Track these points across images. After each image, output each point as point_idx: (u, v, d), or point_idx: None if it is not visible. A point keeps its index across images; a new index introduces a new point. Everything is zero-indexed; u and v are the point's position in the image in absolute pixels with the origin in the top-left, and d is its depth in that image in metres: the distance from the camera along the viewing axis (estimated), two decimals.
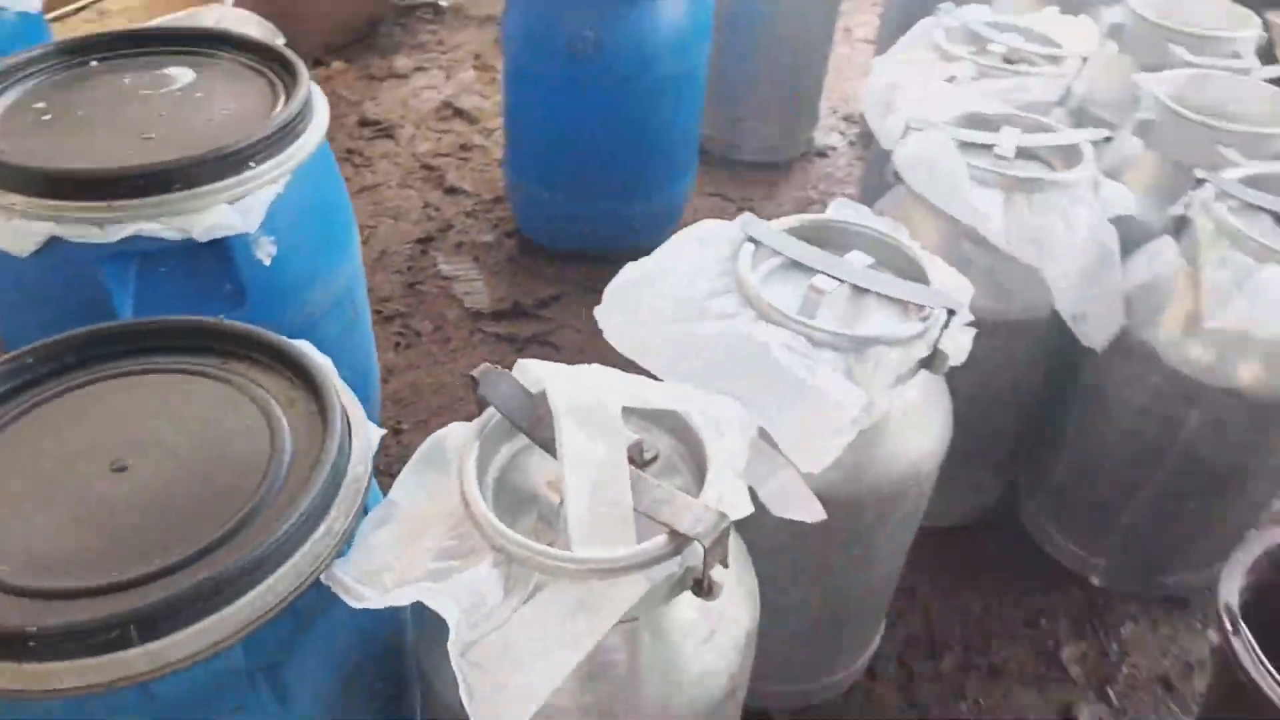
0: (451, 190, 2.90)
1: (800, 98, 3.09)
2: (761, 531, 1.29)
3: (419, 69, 3.52)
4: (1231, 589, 1.39)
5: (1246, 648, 1.33)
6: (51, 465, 1.05)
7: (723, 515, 0.98)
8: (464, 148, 3.09)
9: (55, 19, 2.71)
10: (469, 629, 0.94)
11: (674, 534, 0.97)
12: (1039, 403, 1.88)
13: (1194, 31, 2.09)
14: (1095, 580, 1.92)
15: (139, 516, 1.00)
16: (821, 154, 3.18)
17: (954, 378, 1.59)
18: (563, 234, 2.56)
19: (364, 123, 3.17)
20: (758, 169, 2.97)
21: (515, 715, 0.94)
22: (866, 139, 3.05)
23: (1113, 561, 1.89)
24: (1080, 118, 2.12)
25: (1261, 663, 1.31)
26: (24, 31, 2.05)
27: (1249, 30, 2.11)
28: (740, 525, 1.17)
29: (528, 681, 0.94)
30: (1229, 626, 1.35)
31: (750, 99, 3.00)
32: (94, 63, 1.57)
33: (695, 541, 0.96)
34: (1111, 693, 1.75)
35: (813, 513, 1.28)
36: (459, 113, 3.26)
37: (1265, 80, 1.95)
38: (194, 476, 1.05)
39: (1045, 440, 1.93)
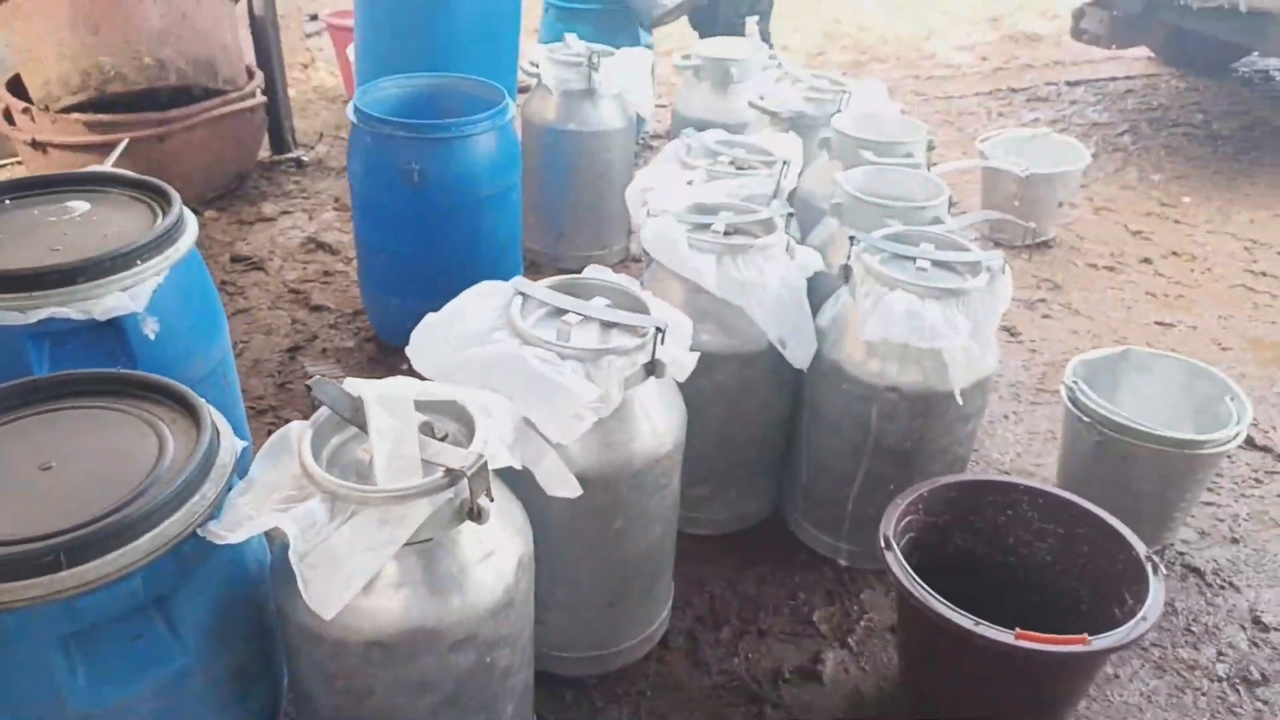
0: (316, 308, 3.36)
1: (610, 216, 3.69)
2: (550, 513, 1.77)
3: (285, 212, 4.02)
4: (889, 523, 1.91)
5: (896, 560, 1.83)
6: None
7: (480, 456, 1.44)
8: (326, 273, 3.58)
9: None
10: (304, 542, 1.37)
11: (448, 471, 1.42)
12: (783, 418, 2.41)
13: (878, 139, 2.77)
14: (842, 561, 2.41)
15: (60, 496, 1.40)
16: (635, 259, 3.78)
17: (710, 402, 2.12)
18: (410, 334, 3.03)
19: (236, 259, 3.62)
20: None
21: (338, 599, 1.37)
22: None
23: (851, 544, 2.40)
24: (802, 208, 2.77)
25: (905, 567, 1.81)
26: None
27: (918, 136, 2.81)
28: (531, 506, 1.64)
29: (348, 575, 1.37)
30: (883, 546, 1.86)
31: (568, 218, 3.60)
32: (7, 201, 2.01)
33: (463, 476, 1.42)
34: (851, 641, 2.22)
35: (572, 489, 1.75)
36: (321, 245, 3.76)
37: (924, 171, 2.63)
38: (101, 470, 1.45)
39: (793, 449, 2.46)
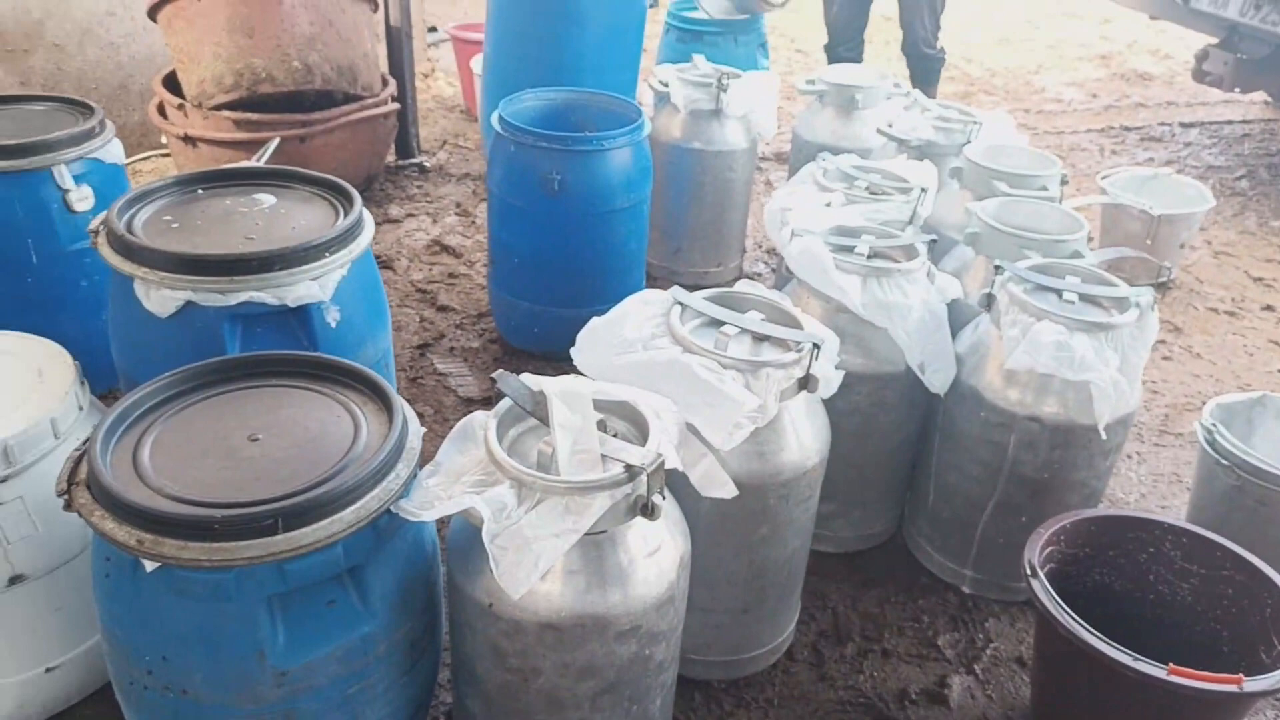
0: (443, 308, 3.48)
1: (728, 234, 3.76)
2: (698, 516, 1.83)
3: (410, 215, 4.17)
4: (1033, 550, 1.92)
5: (1043, 588, 1.85)
6: (208, 438, 1.55)
7: (659, 455, 1.51)
8: (451, 275, 3.70)
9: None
10: (495, 524, 1.45)
11: (628, 467, 1.49)
12: (912, 441, 2.44)
13: (1012, 171, 2.79)
14: (965, 588, 2.42)
15: (270, 466, 1.50)
16: (749, 278, 3.82)
17: (843, 421, 2.16)
18: (536, 338, 3.13)
19: None
20: (695, 290, 3.60)
21: (526, 580, 1.44)
22: (783, 267, 3.71)
23: (977, 572, 2.41)
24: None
25: (1053, 596, 1.82)
26: (112, 177, 2.64)
27: (1052, 170, 2.82)
28: (681, 506, 1.70)
29: (535, 558, 1.44)
30: (1028, 573, 1.87)
31: (687, 234, 3.67)
32: (200, 191, 2.15)
33: (642, 472, 1.49)
34: (977, 668, 2.23)
35: (728, 490, 1.80)
36: (445, 248, 3.89)
37: (1060, 205, 2.64)
38: (303, 445, 1.55)
39: (920, 473, 2.48)
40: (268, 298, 1.85)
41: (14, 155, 2.38)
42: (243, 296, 1.83)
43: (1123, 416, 2.14)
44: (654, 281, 3.64)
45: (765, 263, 4.05)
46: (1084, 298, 2.19)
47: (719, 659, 2.11)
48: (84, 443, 1.48)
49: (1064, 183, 2.83)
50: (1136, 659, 1.66)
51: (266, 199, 2.12)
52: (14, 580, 1.69)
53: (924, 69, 5.04)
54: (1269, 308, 3.89)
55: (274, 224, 2.03)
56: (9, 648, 1.75)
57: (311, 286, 1.88)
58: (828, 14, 5.10)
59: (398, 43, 4.36)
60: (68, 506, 1.41)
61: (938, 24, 4.98)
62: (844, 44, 5.08)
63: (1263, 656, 1.82)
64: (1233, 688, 1.65)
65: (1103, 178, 4.05)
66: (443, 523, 1.67)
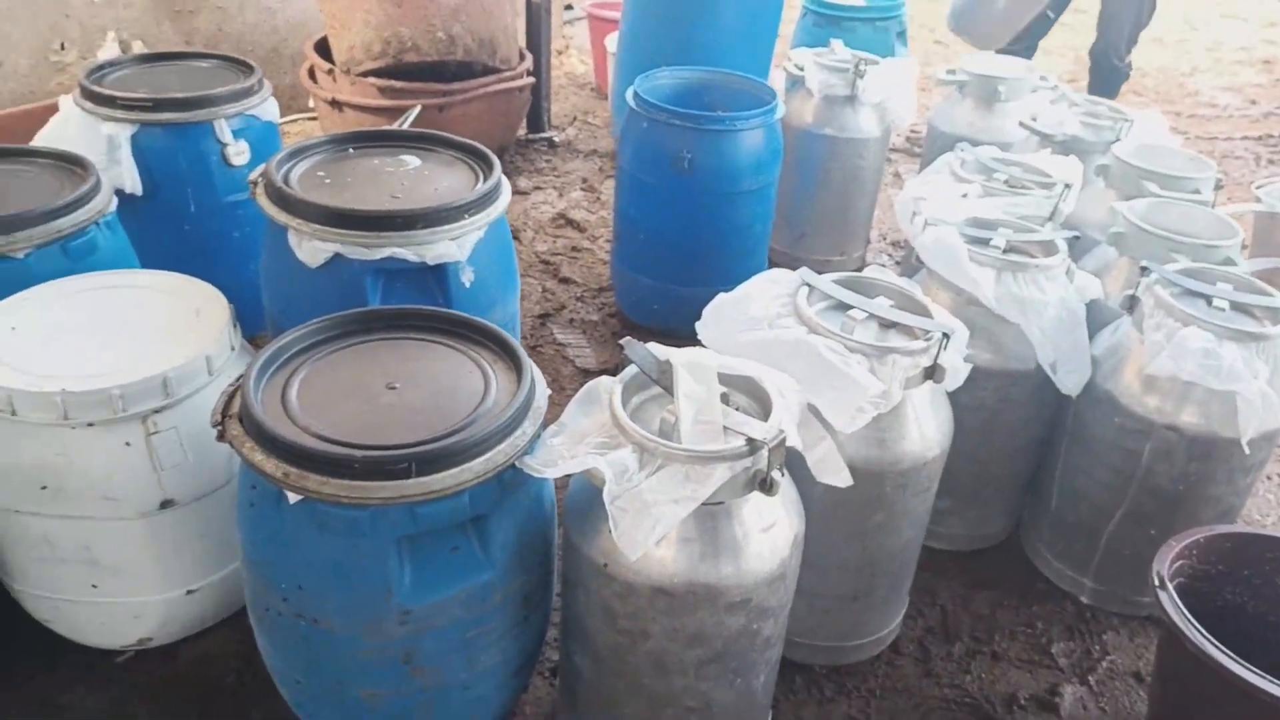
0: (565, 280, 3.55)
1: (854, 223, 3.71)
2: (813, 498, 1.82)
3: (537, 188, 4.25)
4: (1163, 562, 1.85)
5: (1172, 601, 1.77)
6: (349, 383, 1.62)
7: (781, 430, 1.51)
8: (574, 249, 3.76)
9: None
10: (617, 485, 1.47)
11: (749, 440, 1.50)
12: (1036, 442, 2.37)
13: (1164, 172, 2.67)
14: (1084, 598, 2.35)
15: (406, 414, 1.56)
16: None
17: (966, 415, 2.11)
18: (657, 314, 3.16)
19: None
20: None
21: (644, 542, 1.46)
22: (909, 258, 3.64)
23: (1098, 582, 2.32)
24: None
25: (1181, 610, 1.75)
26: (267, 134, 2.78)
27: (1206, 173, 2.68)
28: (798, 487, 1.70)
29: (654, 522, 1.46)
30: (1156, 584, 1.80)
31: (811, 220, 3.64)
32: (351, 150, 2.24)
33: (763, 447, 1.49)
34: (1092, 680, 2.16)
35: (843, 478, 1.78)
36: (570, 222, 3.95)
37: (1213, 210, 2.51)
38: (438, 396, 1.61)
39: (1042, 475, 2.41)
40: (409, 254, 1.92)
41: (180, 108, 2.53)
42: (386, 252, 1.90)
43: (1269, 432, 2.03)
44: (776, 266, 3.61)
45: (890, 255, 3.97)
46: (1235, 306, 2.08)
47: (823, 644, 2.10)
48: (239, 379, 1.57)
49: (1219, 187, 2.69)
50: (1270, 680, 1.58)
51: (412, 160, 2.20)
52: (165, 504, 1.81)
53: (1106, 79, 4.86)
54: None
55: (418, 185, 2.11)
56: (156, 568, 1.88)
57: (450, 246, 1.94)
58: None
59: (536, 18, 4.44)
60: (220, 437, 1.50)
61: (1136, 38, 4.79)
62: (1018, 41, 4.92)
63: None
64: None
65: (1258, 186, 3.81)
66: (561, 484, 1.71)
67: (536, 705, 1.97)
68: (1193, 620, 1.71)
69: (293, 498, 1.42)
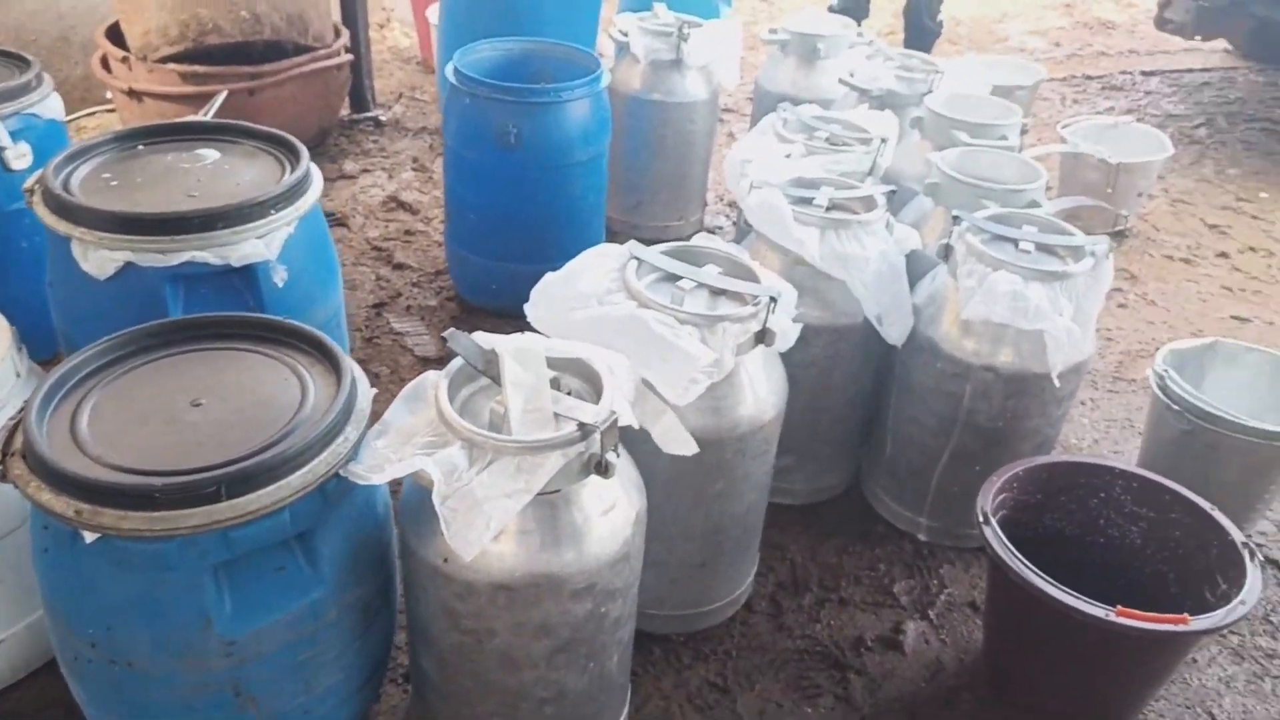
0: (399, 266, 3.43)
1: (690, 186, 3.72)
2: (654, 472, 1.81)
3: (365, 170, 4.09)
4: (986, 498, 1.94)
5: (995, 535, 1.87)
6: (149, 404, 1.51)
7: (613, 412, 1.50)
8: (408, 232, 3.64)
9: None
10: (446, 485, 1.43)
11: (581, 425, 1.48)
12: (868, 393, 2.45)
13: (972, 120, 2.78)
14: (921, 536, 2.45)
15: (214, 432, 1.47)
16: (710, 231, 3.80)
17: (800, 373, 2.15)
18: (495, 294, 3.09)
19: None
20: (656, 244, 3.56)
21: (478, 541, 1.42)
22: (744, 219, 3.69)
23: (932, 520, 2.43)
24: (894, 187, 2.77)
25: (1004, 542, 1.85)
26: (52, 133, 2.55)
27: (1012, 119, 2.81)
28: (637, 462, 1.69)
29: (487, 519, 1.43)
30: (980, 520, 1.89)
31: (647, 187, 3.63)
32: (140, 147, 2.08)
33: (595, 431, 1.47)
34: (932, 614, 2.26)
35: (689, 447, 1.79)
36: (402, 205, 3.82)
37: (1019, 154, 2.63)
38: (249, 409, 1.52)
39: (877, 424, 2.49)
40: (210, 257, 1.80)
41: None
42: (184, 256, 1.78)
43: (1076, 364, 2.16)
44: (614, 235, 3.60)
45: (727, 215, 4.02)
46: (1040, 247, 2.19)
47: (677, 613, 2.12)
48: (19, 411, 1.44)
49: (1024, 132, 2.82)
50: (1084, 602, 1.69)
51: (210, 154, 2.06)
52: None
53: (919, 37, 5.06)
54: (1223, 255, 3.93)
55: (217, 180, 1.98)
56: None
57: (257, 245, 1.83)
58: None
59: None
60: (3, 477, 1.37)
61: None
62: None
63: (1208, 596, 1.86)
64: (1179, 627, 1.68)
65: (1063, 127, 4.05)
66: (396, 484, 1.66)
67: (391, 714, 1.92)
68: (1013, 550, 1.80)
69: (89, 537, 1.32)
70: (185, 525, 1.33)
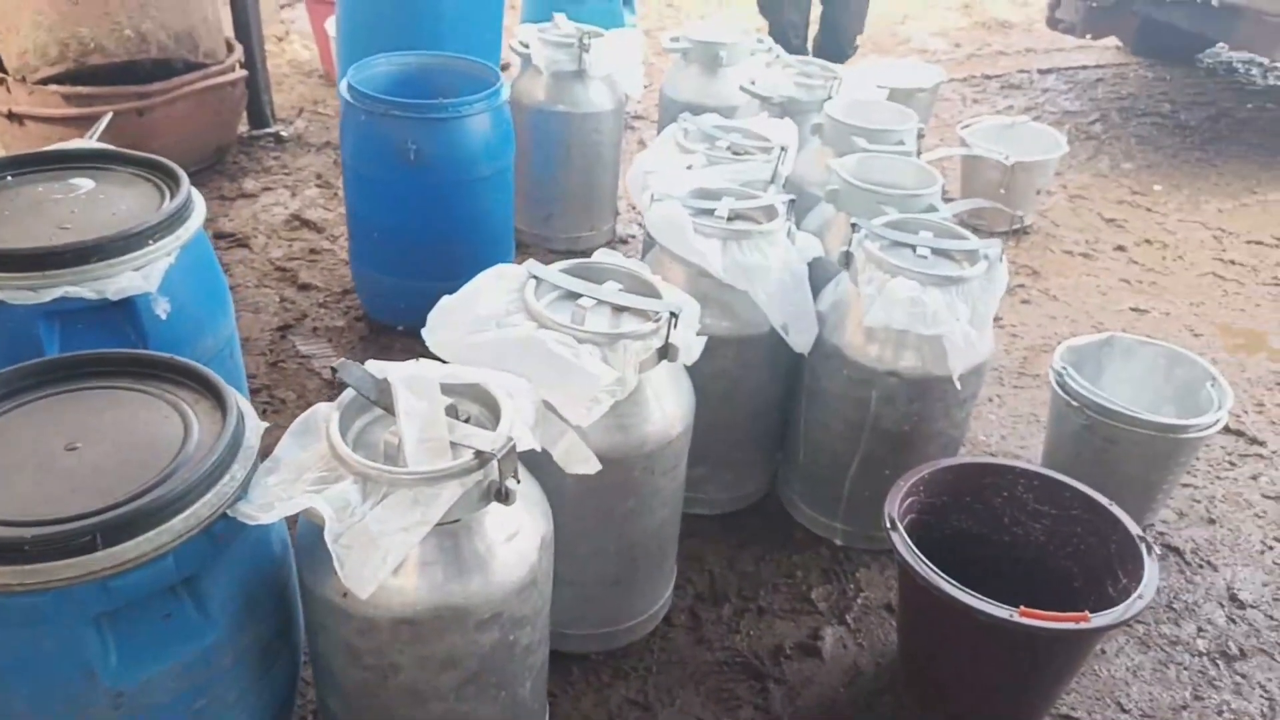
0: (304, 286, 3.34)
1: (599, 197, 3.70)
2: (562, 493, 1.79)
3: (266, 189, 3.97)
4: (893, 502, 1.96)
5: (902, 540, 1.89)
6: (20, 449, 1.44)
7: (510, 438, 1.47)
8: (313, 251, 3.55)
9: None
10: (339, 523, 1.39)
11: (478, 453, 1.44)
12: (779, 401, 2.46)
13: (870, 127, 2.82)
14: (837, 541, 2.47)
15: (89, 477, 1.40)
16: (623, 241, 3.80)
17: (709, 385, 2.15)
18: (404, 313, 3.03)
19: (220, 235, 3.58)
20: (568, 256, 3.54)
21: (373, 579, 1.38)
22: None
23: (847, 524, 2.45)
24: (794, 194, 2.80)
25: (910, 546, 1.87)
26: None
27: (909, 124, 2.86)
28: (543, 485, 1.66)
29: (383, 555, 1.39)
30: (888, 525, 1.91)
31: (557, 199, 3.60)
32: (9, 178, 1.98)
33: (493, 458, 1.44)
34: (849, 618, 2.28)
35: (591, 466, 1.77)
36: (306, 223, 3.73)
37: (916, 159, 2.68)
38: (128, 451, 1.45)
39: (790, 432, 2.51)
40: (86, 292, 1.71)
41: None
42: (57, 292, 1.69)
43: (975, 366, 2.20)
44: (525, 249, 3.57)
45: (640, 224, 4.00)
46: (936, 252, 2.22)
47: (594, 631, 2.10)
48: None
49: (921, 136, 2.87)
50: (987, 603, 1.72)
51: (84, 184, 1.97)
52: None
53: (833, 58, 5.19)
54: (1120, 248, 4.07)
55: (92, 211, 1.89)
56: None
57: (134, 278, 1.75)
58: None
59: (242, 5, 4.12)
60: None
61: (862, 26, 5.34)
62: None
63: (1110, 590, 1.91)
64: (1080, 625, 1.72)
65: (962, 128, 4.14)
66: (293, 519, 1.60)
67: None
68: (919, 554, 1.83)
69: None
70: (59, 578, 1.27)
